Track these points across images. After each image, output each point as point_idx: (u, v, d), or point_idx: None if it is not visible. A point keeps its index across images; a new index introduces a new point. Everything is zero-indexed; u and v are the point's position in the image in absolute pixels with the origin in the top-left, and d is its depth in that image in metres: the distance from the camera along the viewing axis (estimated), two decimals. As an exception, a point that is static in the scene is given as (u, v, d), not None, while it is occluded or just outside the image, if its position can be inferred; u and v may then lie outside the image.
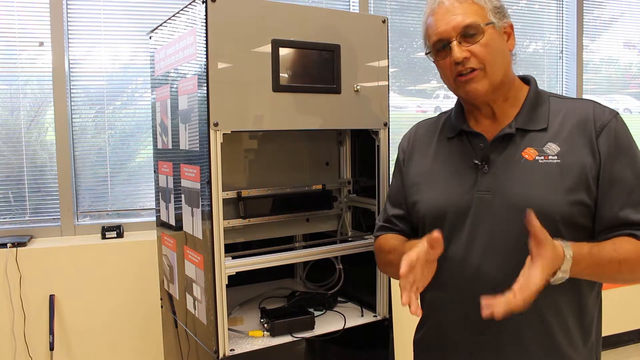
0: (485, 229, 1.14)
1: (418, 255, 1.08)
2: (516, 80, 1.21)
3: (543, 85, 3.38)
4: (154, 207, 1.96)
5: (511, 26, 1.19)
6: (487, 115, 1.21)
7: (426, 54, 1.26)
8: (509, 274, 1.08)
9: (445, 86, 1.25)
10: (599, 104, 1.16)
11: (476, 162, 1.18)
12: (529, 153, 1.13)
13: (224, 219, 1.41)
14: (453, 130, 1.25)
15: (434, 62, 1.23)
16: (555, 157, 1.11)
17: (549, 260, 0.95)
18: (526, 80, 1.23)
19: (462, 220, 1.17)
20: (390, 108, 1.65)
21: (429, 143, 1.31)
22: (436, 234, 1.07)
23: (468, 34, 1.13)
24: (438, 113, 1.39)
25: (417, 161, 1.31)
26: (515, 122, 1.16)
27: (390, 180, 1.45)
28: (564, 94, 3.42)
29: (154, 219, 2.01)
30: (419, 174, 1.29)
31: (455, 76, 1.15)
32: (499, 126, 1.18)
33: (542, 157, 1.12)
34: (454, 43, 1.13)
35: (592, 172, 1.09)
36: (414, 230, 1.33)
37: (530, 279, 0.94)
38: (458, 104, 1.28)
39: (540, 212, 1.07)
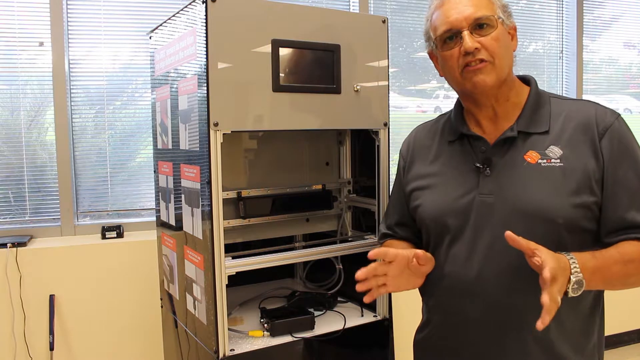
0: (487, 232, 1.14)
1: (397, 255, 1.13)
2: (516, 81, 1.21)
3: (543, 85, 3.38)
4: (154, 207, 1.96)
5: (515, 28, 1.19)
6: (488, 116, 1.20)
7: (429, 51, 1.25)
8: (511, 277, 1.08)
9: (445, 86, 1.24)
10: (601, 105, 1.15)
11: (478, 165, 1.17)
12: (532, 156, 1.13)
13: (224, 219, 1.41)
14: (454, 134, 1.25)
15: (435, 54, 1.22)
16: (558, 161, 1.10)
17: (555, 268, 0.93)
18: (526, 80, 1.22)
19: (464, 224, 1.17)
20: (390, 108, 1.65)
21: (429, 147, 1.30)
22: (422, 252, 1.13)
23: (480, 25, 1.12)
24: (438, 114, 1.38)
25: (418, 166, 1.31)
26: (517, 124, 1.15)
27: (391, 183, 1.46)
28: (564, 94, 3.42)
29: (154, 219, 2.01)
30: (421, 178, 1.28)
31: (463, 67, 1.14)
32: (501, 128, 1.18)
33: (545, 161, 1.11)
34: (466, 33, 1.12)
35: (596, 175, 1.08)
36: (417, 235, 1.33)
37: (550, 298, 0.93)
38: (457, 105, 1.27)
39: (544, 216, 1.08)
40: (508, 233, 0.96)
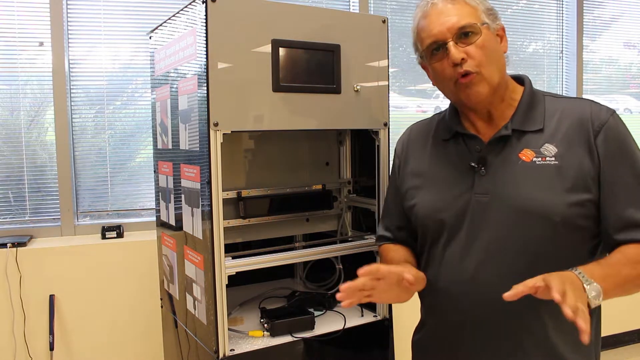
0: (483, 231, 1.13)
1: (389, 273, 1.08)
2: (510, 81, 1.20)
3: (543, 85, 3.39)
4: (154, 207, 1.96)
5: (503, 29, 1.18)
6: (482, 117, 1.19)
7: (419, 60, 1.24)
8: (507, 277, 1.07)
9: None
10: (596, 102, 1.14)
11: (473, 164, 1.17)
12: (526, 154, 1.12)
13: (224, 219, 1.41)
14: (448, 132, 1.24)
15: (426, 65, 1.21)
16: (553, 159, 1.10)
17: (558, 282, 0.90)
18: (520, 80, 1.22)
19: (460, 224, 1.16)
20: (390, 108, 1.65)
21: (424, 145, 1.30)
22: (412, 277, 1.07)
23: (465, 34, 1.11)
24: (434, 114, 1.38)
25: (413, 165, 1.30)
26: (511, 123, 1.15)
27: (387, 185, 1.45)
28: (562, 94, 3.42)
29: (154, 219, 2.01)
30: (416, 177, 1.28)
31: (456, 79, 1.13)
32: (495, 128, 1.17)
33: (540, 159, 1.11)
34: (451, 44, 1.11)
35: (591, 173, 1.08)
36: (414, 237, 1.32)
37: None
38: (452, 105, 1.27)
39: (540, 214, 1.07)
40: (506, 295, 0.90)
